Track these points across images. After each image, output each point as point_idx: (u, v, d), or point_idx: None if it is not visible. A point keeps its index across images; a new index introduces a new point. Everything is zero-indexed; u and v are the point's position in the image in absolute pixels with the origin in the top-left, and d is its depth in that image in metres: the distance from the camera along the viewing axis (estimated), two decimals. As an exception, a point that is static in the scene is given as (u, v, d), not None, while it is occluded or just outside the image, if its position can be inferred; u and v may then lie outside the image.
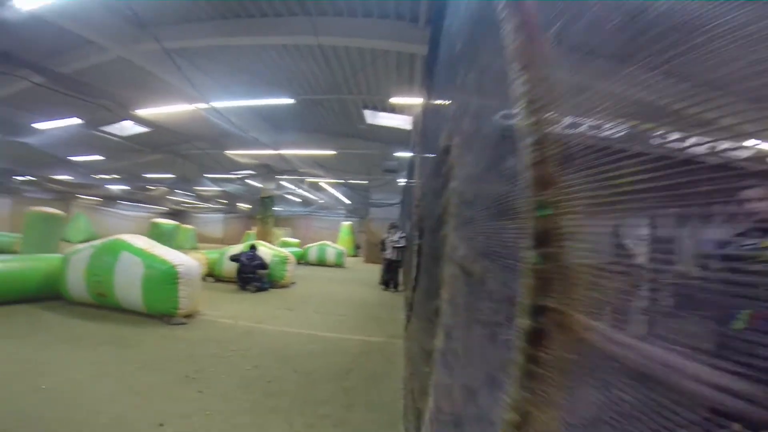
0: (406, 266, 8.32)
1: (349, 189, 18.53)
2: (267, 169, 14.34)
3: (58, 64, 7.55)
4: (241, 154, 10.72)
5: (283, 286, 8.60)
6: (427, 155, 3.77)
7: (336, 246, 16.02)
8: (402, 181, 14.59)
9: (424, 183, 3.84)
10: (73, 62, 7.61)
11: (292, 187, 17.70)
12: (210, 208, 29.23)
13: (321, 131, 11.08)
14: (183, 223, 27.96)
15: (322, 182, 16.57)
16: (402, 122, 10.88)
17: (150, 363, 3.31)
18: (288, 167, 12.04)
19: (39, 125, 9.26)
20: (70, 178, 16.54)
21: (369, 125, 11.01)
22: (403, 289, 8.24)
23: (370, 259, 18.88)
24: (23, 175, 17.16)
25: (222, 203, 25.38)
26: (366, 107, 10.14)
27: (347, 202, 20.86)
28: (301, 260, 15.73)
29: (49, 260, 5.76)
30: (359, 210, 23.29)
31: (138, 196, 22.74)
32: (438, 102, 2.93)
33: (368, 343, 4.61)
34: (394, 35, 6.09)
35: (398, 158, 12.58)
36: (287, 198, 22.82)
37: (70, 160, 13.48)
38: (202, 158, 14.25)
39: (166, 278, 4.97)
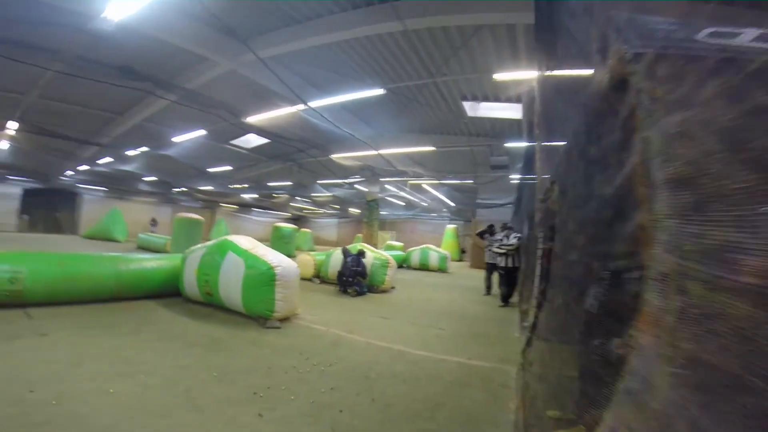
0: (526, 274, 7.15)
1: (452, 189, 17.63)
2: (370, 172, 14.49)
3: (184, 81, 8.65)
4: (345, 157, 10.93)
5: (382, 291, 8.28)
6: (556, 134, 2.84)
7: (439, 250, 15.28)
8: (515, 178, 13.09)
9: (562, 166, 2.87)
10: (194, 78, 8.60)
11: (395, 190, 17.62)
12: (325, 213, 31.54)
13: (418, 130, 10.55)
14: (302, 227, 31.01)
15: (424, 183, 16.04)
16: (509, 111, 9.61)
17: (227, 372, 3.15)
18: (389, 168, 11.81)
19: (176, 139, 10.89)
20: (211, 188, 19.51)
21: (470, 119, 10.04)
22: (519, 303, 7.03)
23: (476, 264, 17.57)
24: (178, 187, 20.95)
25: (335, 208, 27.03)
26: (465, 98, 9.22)
27: (451, 204, 19.90)
28: (404, 264, 15.47)
29: (174, 259, 6.43)
30: (464, 212, 22.08)
31: (265, 203, 25.75)
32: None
33: (468, 367, 3.79)
34: (484, 6, 5.18)
35: (508, 151, 11.24)
36: (392, 201, 23.02)
37: (208, 171, 15.78)
38: (313, 165, 15.20)
39: (264, 279, 4.97)
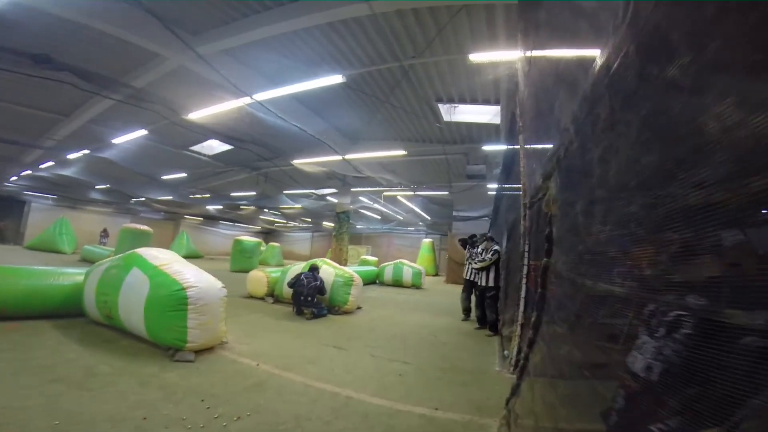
0: (507, 293, 6.30)
1: (428, 202, 16.91)
2: (340, 181, 13.57)
3: (132, 79, 7.54)
4: (308, 163, 9.97)
5: (345, 312, 7.20)
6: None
7: (413, 265, 14.31)
8: (492, 188, 12.44)
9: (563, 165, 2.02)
10: (142, 76, 7.53)
11: (368, 202, 16.72)
12: (297, 226, 30.22)
13: (392, 137, 9.73)
14: (274, 241, 29.48)
15: (399, 195, 15.21)
16: (487, 115, 8.98)
17: (78, 421, 2.30)
18: (357, 174, 10.90)
19: (116, 140, 9.63)
20: (171, 198, 18.02)
21: (446, 124, 9.33)
22: (499, 327, 6.12)
23: (451, 279, 16.73)
24: (136, 197, 19.33)
25: (306, 221, 25.81)
26: (440, 101, 8.50)
27: (426, 217, 19.15)
28: (377, 280, 14.45)
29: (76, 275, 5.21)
30: (440, 225, 21.38)
31: (231, 215, 24.27)
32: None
33: (434, 423, 2.80)
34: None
35: (486, 159, 10.59)
36: (367, 215, 22.08)
37: (161, 179, 14.42)
38: (278, 175, 14.11)
39: (171, 302, 3.88)
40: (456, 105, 8.68)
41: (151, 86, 7.54)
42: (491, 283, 6.34)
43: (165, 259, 4.49)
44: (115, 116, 8.82)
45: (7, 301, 4.60)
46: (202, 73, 6.66)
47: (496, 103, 8.21)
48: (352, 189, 14.10)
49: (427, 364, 4.22)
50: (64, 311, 4.98)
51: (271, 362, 3.91)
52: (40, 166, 13.41)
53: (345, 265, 14.55)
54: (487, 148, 9.10)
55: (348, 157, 8.94)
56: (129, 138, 9.31)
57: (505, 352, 4.80)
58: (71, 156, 11.52)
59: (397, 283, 13.87)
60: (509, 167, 8.77)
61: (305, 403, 2.95)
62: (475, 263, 6.73)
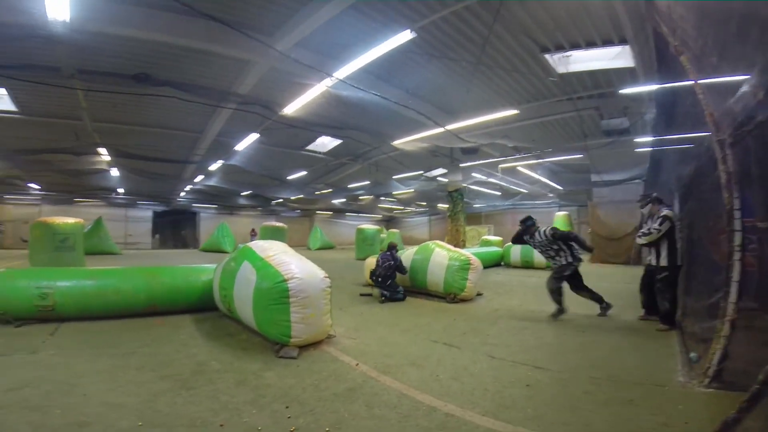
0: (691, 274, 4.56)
1: (556, 168, 14.49)
2: (447, 159, 12.59)
3: (238, 87, 8.11)
4: (408, 141, 9.33)
5: (462, 300, 6.39)
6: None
7: (546, 242, 12.35)
8: (642, 141, 9.77)
9: None
10: (244, 83, 8.00)
11: (483, 177, 15.22)
12: (414, 211, 30.26)
13: (494, 105, 8.27)
14: (394, 227, 30.20)
15: (518, 165, 13.35)
16: (614, 59, 6.90)
17: (164, 422, 2.29)
18: (464, 146, 9.77)
19: (238, 146, 10.68)
20: (300, 196, 19.86)
21: (561, 76, 7.48)
22: (680, 319, 4.46)
23: (599, 257, 14.00)
24: (275, 199, 21.99)
25: (421, 205, 25.52)
26: (546, 51, 6.81)
27: (558, 187, 16.52)
28: (502, 262, 13.02)
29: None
30: (577, 194, 18.24)
31: (353, 206, 25.62)
32: None
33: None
34: None
35: (625, 110, 8.28)
36: (484, 192, 20.44)
37: (287, 179, 15.81)
38: (386, 161, 13.97)
39: (273, 296, 3.72)
40: (568, 53, 6.91)
41: (253, 90, 7.98)
42: (664, 262, 4.50)
43: (273, 250, 4.41)
44: (233, 125, 9.76)
45: (155, 298, 5.24)
46: (287, 68, 6.64)
47: (622, 42, 6.29)
48: (461, 165, 12.92)
49: (569, 370, 3.12)
50: (202, 306, 5.43)
51: (372, 361, 3.43)
52: (195, 180, 16.19)
53: (462, 247, 13.56)
54: (627, 91, 6.91)
55: (449, 127, 7.95)
56: (246, 143, 10.21)
57: (692, 354, 3.32)
58: (211, 168, 13.48)
59: (528, 265, 12.20)
60: (669, 108, 6.57)
61: (393, 421, 2.33)
62: (639, 237, 4.87)
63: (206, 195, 21.08)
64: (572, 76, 7.70)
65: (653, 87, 6.74)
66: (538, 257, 12.06)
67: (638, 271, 5.49)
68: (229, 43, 6.16)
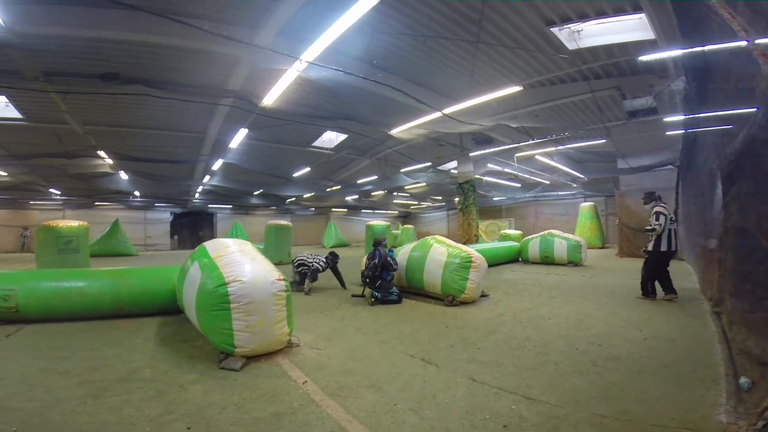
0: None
1: (577, 155, 13.36)
2: (457, 148, 11.76)
3: (231, 83, 7.68)
4: (407, 129, 8.63)
5: (462, 303, 5.67)
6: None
7: (567, 236, 11.30)
8: (673, 121, 8.67)
9: None
10: (233, 79, 7.55)
11: (498, 167, 14.26)
12: (431, 206, 29.42)
13: (501, 82, 7.42)
14: (411, 223, 29.45)
15: (535, 154, 12.35)
16: (631, 32, 6.02)
17: None
18: (466, 127, 8.96)
19: (231, 144, 10.31)
20: (312, 193, 19.52)
21: (573, 53, 6.59)
22: (726, 319, 3.64)
23: (627, 251, 12.81)
24: (288, 198, 21.81)
25: (437, 200, 24.66)
26: (552, 24, 5.98)
27: (579, 175, 15.33)
28: (520, 257, 12.09)
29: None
30: (602, 183, 16.91)
31: (366, 203, 25.09)
32: None
33: None
34: None
35: (650, 88, 7.30)
36: (503, 184, 19.36)
37: (293, 177, 15.42)
38: (394, 156, 13.32)
39: (214, 301, 3.22)
40: (578, 27, 6.06)
41: (244, 85, 7.50)
42: (650, 248, 5.65)
43: (228, 249, 3.92)
44: (229, 123, 9.38)
45: (122, 300, 4.89)
46: (271, 62, 6.08)
47: (636, 10, 5.50)
48: (471, 154, 12.04)
49: (569, 403, 2.39)
50: (173, 308, 5.03)
51: (325, 380, 2.84)
52: (204, 181, 16.08)
53: (475, 241, 12.71)
54: (648, 57, 5.95)
55: (448, 110, 7.18)
56: (238, 140, 9.85)
57: (743, 380, 2.56)
58: (214, 167, 13.26)
59: (547, 260, 11.22)
60: (704, 78, 5.62)
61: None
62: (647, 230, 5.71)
63: (219, 196, 21.12)
64: (585, 52, 6.79)
65: (679, 52, 5.75)
66: (558, 252, 11.09)
67: (672, 267, 5.65)
68: (207, 39, 5.72)
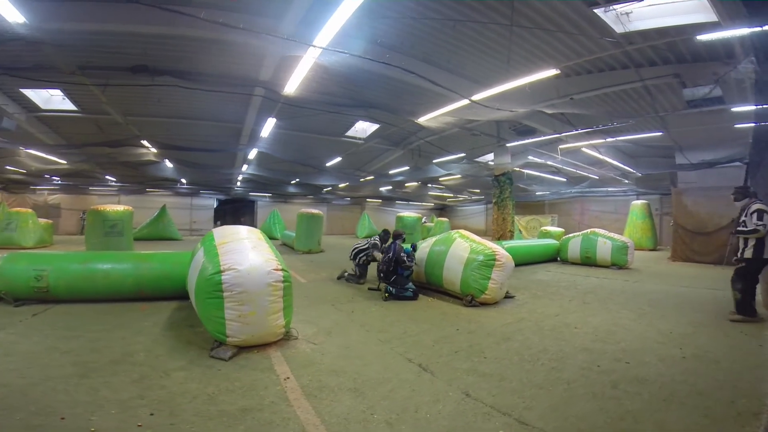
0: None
1: (630, 149, 12.18)
2: (493, 138, 11.11)
3: (262, 75, 7.71)
4: (435, 117, 8.20)
5: (483, 304, 5.30)
6: None
7: (613, 236, 10.35)
8: (743, 111, 7.62)
9: None
10: (264, 70, 7.55)
11: (540, 160, 13.37)
12: (469, 199, 28.54)
13: (536, 64, 6.76)
14: (448, 216, 28.79)
15: (582, 146, 11.38)
16: (690, 13, 5.20)
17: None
18: (499, 115, 8.39)
19: (263, 133, 10.48)
20: (347, 183, 19.62)
21: (624, 36, 5.81)
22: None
23: (682, 255, 11.55)
24: (324, 188, 22.14)
25: (475, 192, 23.80)
26: (596, 5, 5.29)
27: (630, 170, 14.04)
28: (559, 257, 11.29)
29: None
30: (657, 179, 15.38)
31: (400, 194, 24.80)
32: None
33: None
34: None
35: (714, 75, 6.39)
36: (546, 178, 18.24)
37: (326, 166, 15.48)
38: (427, 147, 12.90)
39: (208, 288, 3.19)
40: (627, 9, 5.33)
41: (273, 77, 7.48)
42: (748, 254, 4.54)
43: (233, 237, 3.89)
44: (259, 113, 9.50)
45: (143, 283, 5.06)
46: (293, 49, 5.96)
47: None
48: (508, 144, 11.30)
49: None
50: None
51: (309, 377, 2.71)
52: (243, 170, 16.59)
53: (510, 237, 12.01)
54: (706, 37, 5.11)
55: (476, 97, 6.67)
56: (268, 129, 9.97)
57: None
58: (250, 155, 13.59)
59: (589, 261, 10.36)
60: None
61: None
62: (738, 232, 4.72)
63: (259, 184, 21.79)
64: (637, 36, 6.01)
65: (746, 31, 4.88)
66: (601, 253, 10.21)
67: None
68: (228, 31, 5.73)
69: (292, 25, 5.67)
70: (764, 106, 7.07)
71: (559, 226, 17.54)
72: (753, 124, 8.12)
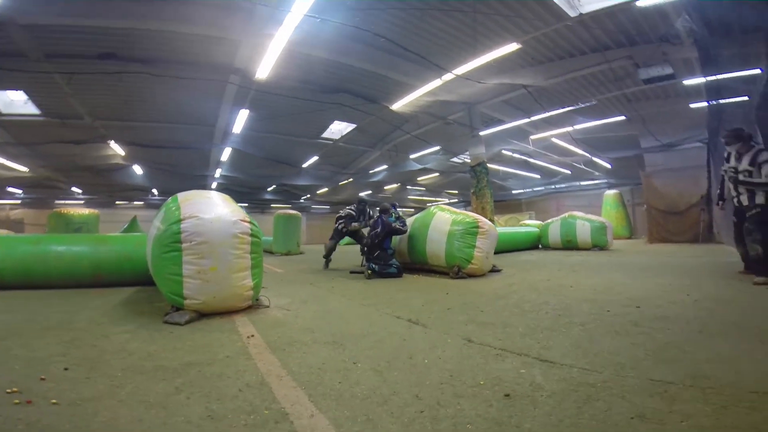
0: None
1: (601, 141, 12.41)
2: (466, 128, 11.04)
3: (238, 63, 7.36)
4: (408, 103, 8.05)
5: (470, 275, 4.98)
6: None
7: (591, 217, 10.29)
8: (696, 83, 7.92)
9: None
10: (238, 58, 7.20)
11: (513, 154, 13.44)
12: (449, 202, 28.59)
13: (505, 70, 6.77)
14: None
15: (551, 135, 11.48)
16: None
17: None
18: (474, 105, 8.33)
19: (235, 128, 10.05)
20: (326, 189, 19.19)
21: (577, 20, 5.92)
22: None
23: (659, 236, 11.72)
24: (303, 196, 21.66)
25: (452, 193, 23.86)
26: None
27: (602, 163, 14.31)
28: (540, 243, 11.17)
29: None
30: (627, 167, 15.76)
31: (378, 198, 24.55)
32: None
33: None
34: None
35: (666, 56, 6.69)
36: (522, 175, 18.44)
37: (303, 167, 15.05)
38: (403, 143, 12.76)
39: (166, 240, 2.74)
40: None
41: (249, 62, 7.14)
42: (760, 200, 3.87)
43: (202, 195, 3.41)
44: (229, 103, 9.08)
45: (101, 266, 4.49)
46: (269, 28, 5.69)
47: None
48: (482, 133, 11.22)
49: (607, 366, 1.69)
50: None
51: (277, 335, 2.30)
52: (216, 172, 15.90)
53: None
54: (644, 3, 5.23)
55: (447, 76, 6.59)
56: (241, 122, 9.54)
57: None
58: (223, 157, 13.02)
59: (570, 245, 10.23)
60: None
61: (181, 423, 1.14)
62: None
63: (234, 192, 21.03)
64: (588, 19, 6.14)
65: None
66: (582, 235, 10.13)
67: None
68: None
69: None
70: (711, 78, 7.31)
71: (536, 221, 17.64)
72: (705, 103, 8.51)
